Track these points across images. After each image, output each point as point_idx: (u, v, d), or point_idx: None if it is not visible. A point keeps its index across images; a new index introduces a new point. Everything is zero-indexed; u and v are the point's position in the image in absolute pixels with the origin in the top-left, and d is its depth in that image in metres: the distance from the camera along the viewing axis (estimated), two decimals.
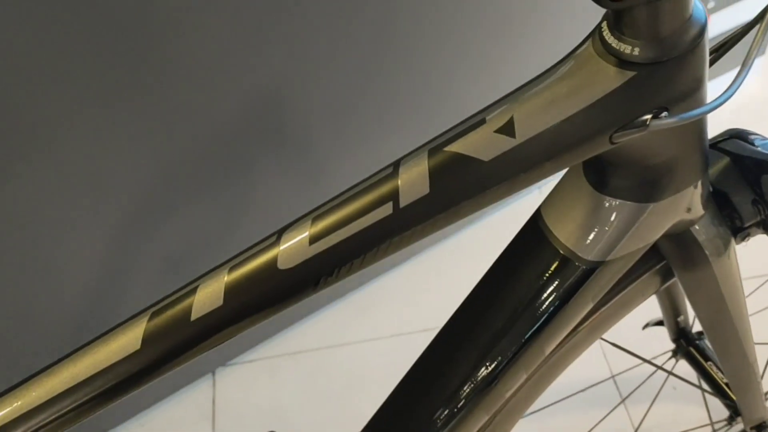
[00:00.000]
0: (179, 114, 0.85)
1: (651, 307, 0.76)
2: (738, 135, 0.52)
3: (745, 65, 0.40)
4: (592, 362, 1.13)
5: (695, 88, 0.40)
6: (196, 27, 0.79)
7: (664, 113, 0.39)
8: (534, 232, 0.49)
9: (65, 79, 0.73)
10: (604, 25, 0.38)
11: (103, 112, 0.78)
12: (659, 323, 0.82)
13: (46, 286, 0.88)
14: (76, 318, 0.92)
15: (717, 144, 0.53)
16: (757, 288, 0.79)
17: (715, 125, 0.50)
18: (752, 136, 0.52)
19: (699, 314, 0.58)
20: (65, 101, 0.75)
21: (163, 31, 0.76)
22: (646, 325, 0.85)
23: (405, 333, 1.23)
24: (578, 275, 0.47)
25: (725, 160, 0.51)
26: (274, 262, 0.37)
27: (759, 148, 0.51)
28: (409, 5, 0.95)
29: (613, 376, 1.11)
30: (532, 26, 1.08)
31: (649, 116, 0.38)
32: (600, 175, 0.45)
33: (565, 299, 0.48)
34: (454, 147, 0.38)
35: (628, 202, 0.45)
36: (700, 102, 0.41)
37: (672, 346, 0.83)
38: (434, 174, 0.37)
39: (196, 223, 0.97)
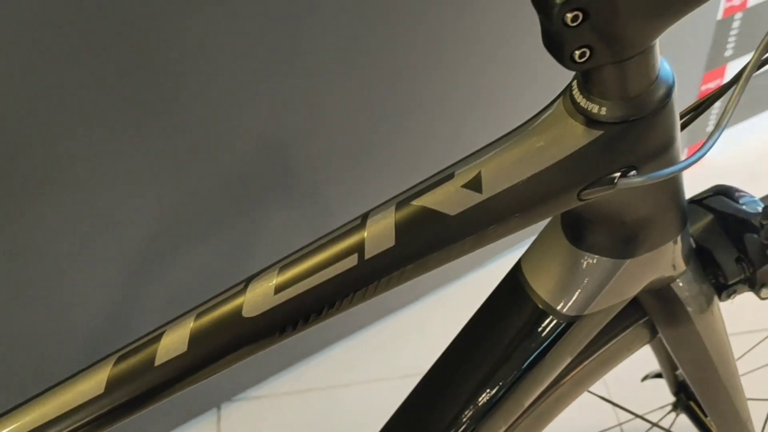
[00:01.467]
0: (188, 157, 0.88)
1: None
2: (723, 192, 0.52)
3: (719, 126, 0.40)
4: (599, 409, 1.12)
5: (665, 147, 0.40)
6: (206, 74, 0.81)
7: (633, 172, 0.39)
8: (513, 284, 0.49)
9: (82, 123, 0.76)
10: (574, 84, 0.39)
11: (115, 153, 0.81)
12: (658, 375, 0.81)
13: (51, 320, 0.90)
14: (77, 353, 0.94)
15: (702, 200, 0.53)
16: (759, 343, 0.77)
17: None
18: (737, 194, 0.52)
19: (684, 370, 0.58)
20: (80, 143, 0.78)
21: (174, 77, 0.79)
22: (645, 377, 0.84)
23: (415, 374, 1.23)
24: (555, 329, 0.47)
25: (709, 217, 0.51)
26: (239, 309, 0.38)
27: (743, 206, 0.51)
28: (417, 52, 0.97)
29: (620, 424, 1.09)
30: (541, 74, 1.09)
31: (617, 174, 0.39)
32: (576, 230, 0.45)
33: (542, 353, 0.48)
34: (421, 201, 0.39)
35: (604, 258, 0.45)
36: (672, 161, 0.41)
37: (672, 399, 0.81)
38: (400, 227, 0.38)
39: (202, 265, 0.99)
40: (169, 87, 0.80)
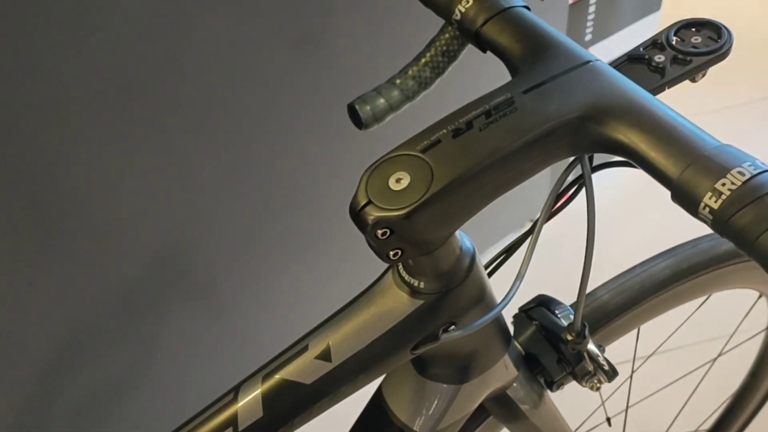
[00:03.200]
0: (84, 274, 0.93)
1: None
2: (543, 303, 0.63)
3: (519, 276, 0.50)
4: None
5: (478, 301, 0.50)
6: (99, 190, 0.87)
7: (452, 327, 0.49)
8: (377, 407, 0.58)
9: None
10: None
11: (9, 283, 0.85)
12: None
13: None
14: None
15: (527, 311, 0.63)
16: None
17: None
18: (554, 305, 0.62)
19: None
20: None
21: (69, 194, 0.85)
22: None
23: None
24: None
25: (533, 327, 0.62)
26: None
27: (558, 317, 0.61)
28: (297, 156, 1.06)
29: None
30: None
31: (440, 331, 0.48)
32: (421, 363, 0.55)
33: None
34: (282, 373, 0.47)
35: (444, 385, 0.54)
36: (487, 308, 0.51)
37: None
38: (266, 399, 0.46)
39: (106, 376, 1.03)
40: (59, 208, 0.85)
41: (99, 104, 0.82)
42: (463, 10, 0.49)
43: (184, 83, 0.89)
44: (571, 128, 0.41)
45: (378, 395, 0.58)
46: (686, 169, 0.37)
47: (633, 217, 1.66)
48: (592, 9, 1.43)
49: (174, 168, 0.94)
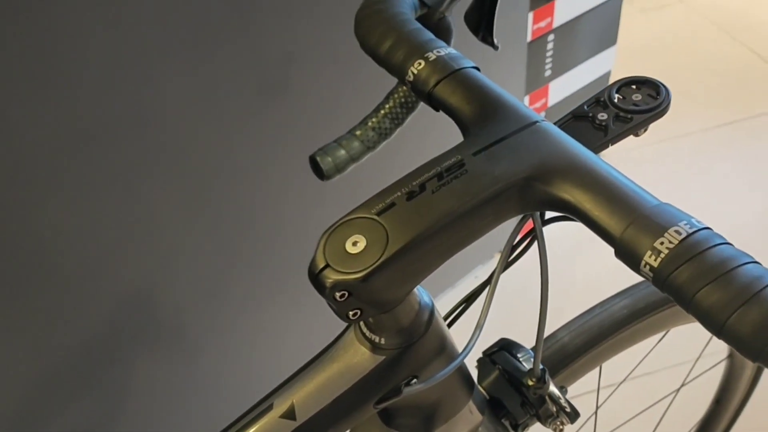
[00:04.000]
0: (52, 320, 0.93)
1: None
2: (505, 347, 0.64)
3: (478, 326, 0.51)
4: None
5: (439, 353, 0.51)
6: (64, 240, 0.87)
7: (414, 380, 0.50)
8: None
9: None
10: None
11: None
12: None
13: None
14: None
15: (490, 355, 0.65)
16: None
17: None
18: (516, 349, 0.64)
19: None
20: None
21: (33, 243, 0.85)
22: None
23: None
24: None
25: (496, 372, 0.63)
26: None
27: (520, 361, 0.63)
28: (260, 204, 1.07)
29: None
30: None
31: (402, 385, 0.49)
32: (387, 414, 0.56)
33: None
34: None
35: None
36: (448, 359, 0.52)
37: None
38: None
39: (71, 426, 1.01)
40: (23, 258, 0.85)
41: (61, 154, 0.83)
42: (415, 71, 0.51)
43: (147, 132, 0.90)
44: (519, 188, 0.43)
45: None
46: (627, 227, 0.39)
47: (599, 250, 1.69)
48: (550, 46, 1.48)
49: (138, 216, 0.94)
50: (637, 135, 0.51)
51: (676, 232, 0.38)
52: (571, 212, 0.42)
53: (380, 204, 0.43)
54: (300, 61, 1.01)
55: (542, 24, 1.44)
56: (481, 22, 0.66)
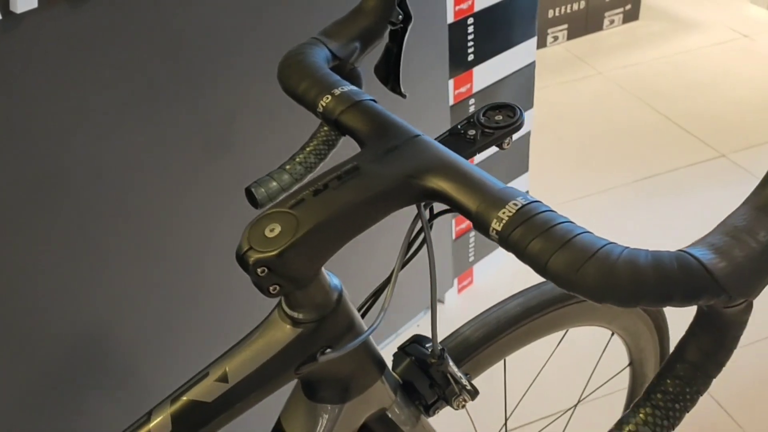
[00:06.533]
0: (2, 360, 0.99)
1: None
2: (416, 340, 0.75)
3: (383, 309, 0.62)
4: None
5: (348, 328, 0.62)
6: (8, 285, 0.95)
7: (328, 350, 0.60)
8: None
9: None
10: (283, 298, 0.60)
11: None
12: None
13: None
14: None
15: (404, 348, 0.75)
16: None
17: None
18: (425, 341, 0.75)
19: None
20: None
21: None
22: None
23: None
24: None
25: (408, 360, 0.74)
26: None
27: (427, 349, 0.73)
28: (206, 247, 1.17)
29: None
30: None
31: (318, 354, 0.60)
32: (309, 388, 0.66)
33: None
34: (187, 395, 0.57)
35: (329, 405, 0.65)
36: (356, 334, 0.63)
37: None
38: (174, 417, 0.56)
39: None
40: None
41: (19, 199, 0.93)
42: (324, 104, 0.64)
43: (101, 182, 1.01)
44: (401, 184, 0.55)
45: (278, 425, 0.68)
46: (479, 204, 0.51)
47: None
48: (471, 29, 1.55)
49: (90, 259, 1.04)
50: (502, 147, 0.65)
51: (514, 204, 0.50)
52: (441, 199, 0.55)
53: (292, 200, 0.54)
54: (241, 117, 1.14)
55: (462, 89, 1.62)
56: (389, 75, 0.81)
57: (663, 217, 2.13)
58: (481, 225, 0.51)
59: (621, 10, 3.24)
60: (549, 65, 2.97)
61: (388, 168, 0.56)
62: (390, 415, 0.71)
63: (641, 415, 0.52)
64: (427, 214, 0.64)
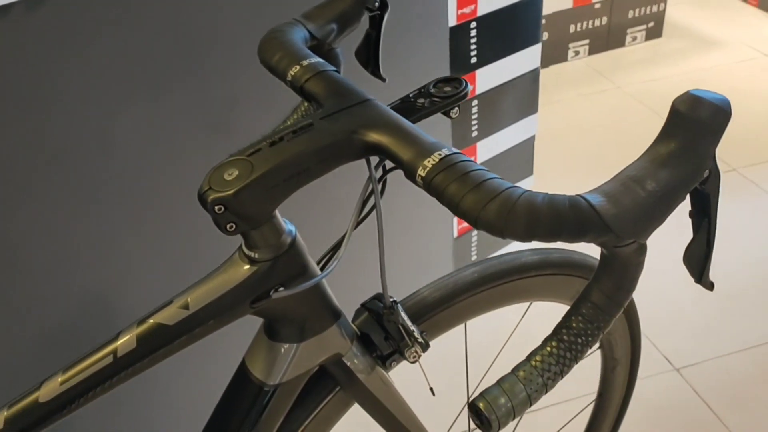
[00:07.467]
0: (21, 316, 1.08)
1: None
2: (377, 297, 0.81)
3: (337, 257, 0.69)
4: None
5: (301, 271, 0.69)
6: (32, 244, 1.04)
7: (281, 288, 0.67)
8: (240, 371, 0.75)
9: None
10: (243, 240, 0.68)
11: None
12: None
13: None
14: None
15: (365, 304, 0.82)
16: None
17: None
18: (385, 297, 0.81)
19: (376, 420, 0.84)
20: None
21: None
22: None
23: None
24: (266, 395, 0.73)
25: (366, 314, 0.80)
26: (36, 399, 0.61)
27: (382, 305, 0.80)
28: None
29: None
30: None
31: (272, 291, 0.67)
32: (269, 329, 0.73)
33: (259, 413, 0.73)
34: (153, 318, 0.65)
35: (286, 344, 0.72)
36: (309, 278, 0.69)
37: None
38: (139, 336, 0.64)
39: None
40: None
41: (32, 170, 1.02)
42: (292, 73, 0.72)
43: (109, 156, 1.10)
44: (347, 139, 0.62)
45: (242, 364, 0.75)
46: (410, 155, 0.58)
47: None
48: (474, 33, 1.60)
49: (97, 229, 1.13)
50: (449, 116, 0.72)
51: (438, 154, 0.57)
52: (380, 152, 0.61)
53: (250, 150, 0.62)
54: (242, 103, 1.23)
55: (467, 10, 1.62)
56: (369, 59, 0.88)
57: (672, 228, 2.15)
58: (410, 172, 0.58)
59: (644, 27, 3.28)
60: (568, 78, 3.02)
61: (338, 125, 0.63)
62: (346, 362, 0.78)
63: (548, 348, 0.59)
64: (380, 172, 0.71)
